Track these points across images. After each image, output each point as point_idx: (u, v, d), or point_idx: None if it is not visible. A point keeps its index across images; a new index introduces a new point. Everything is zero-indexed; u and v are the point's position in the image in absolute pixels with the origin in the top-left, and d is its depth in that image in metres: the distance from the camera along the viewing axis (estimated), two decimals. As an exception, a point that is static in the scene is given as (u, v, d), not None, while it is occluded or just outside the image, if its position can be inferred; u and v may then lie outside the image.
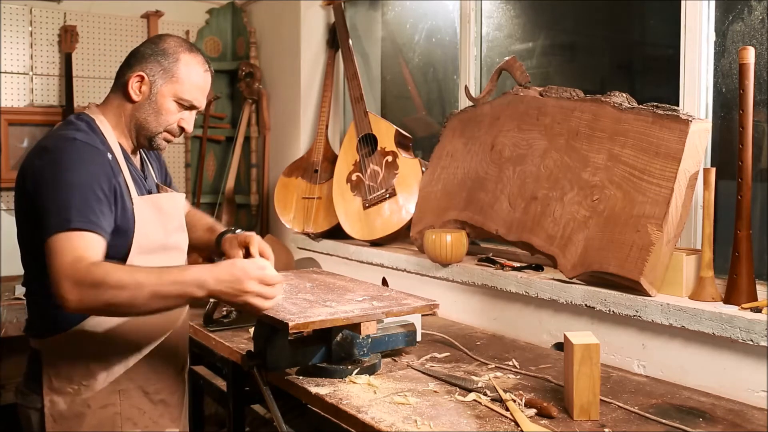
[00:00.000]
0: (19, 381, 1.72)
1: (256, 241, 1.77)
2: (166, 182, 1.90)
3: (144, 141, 1.71)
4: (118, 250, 1.60)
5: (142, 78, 1.65)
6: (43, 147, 1.58)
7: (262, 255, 1.73)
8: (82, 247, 1.45)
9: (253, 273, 1.45)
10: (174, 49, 1.67)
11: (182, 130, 1.72)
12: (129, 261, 1.60)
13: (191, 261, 3.50)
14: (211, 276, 1.43)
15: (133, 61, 1.68)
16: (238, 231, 1.86)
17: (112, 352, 1.65)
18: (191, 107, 1.71)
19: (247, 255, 1.75)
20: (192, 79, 1.68)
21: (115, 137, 1.67)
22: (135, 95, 1.65)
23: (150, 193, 1.72)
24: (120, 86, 1.68)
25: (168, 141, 1.73)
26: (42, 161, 1.54)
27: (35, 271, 1.60)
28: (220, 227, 1.93)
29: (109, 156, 1.60)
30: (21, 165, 1.61)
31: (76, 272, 1.41)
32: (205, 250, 1.98)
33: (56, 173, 1.51)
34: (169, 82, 1.66)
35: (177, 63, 1.66)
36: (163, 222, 1.70)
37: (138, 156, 1.77)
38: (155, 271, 1.45)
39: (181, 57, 1.67)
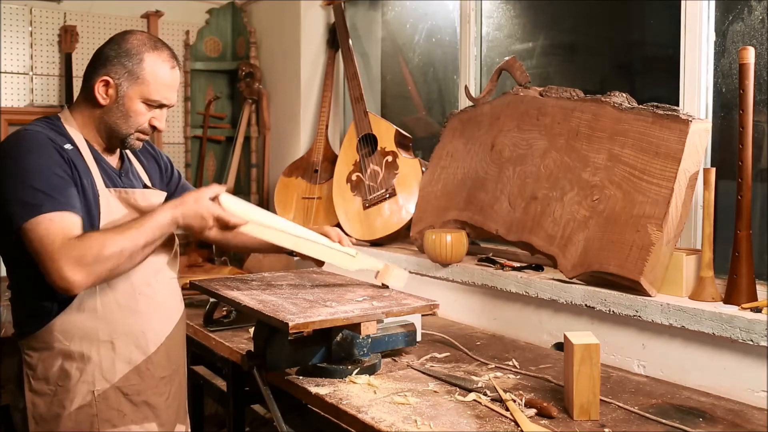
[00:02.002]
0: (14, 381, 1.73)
1: (333, 233, 1.89)
2: (169, 185, 1.90)
3: (116, 143, 1.69)
4: None
5: (108, 82, 1.62)
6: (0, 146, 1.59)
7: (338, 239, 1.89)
8: (67, 227, 1.48)
9: (215, 212, 1.61)
10: (137, 49, 1.63)
11: (154, 128, 1.70)
12: None
13: (191, 261, 3.49)
14: (181, 214, 1.58)
15: (97, 63, 1.64)
16: None
17: (84, 351, 1.61)
18: (161, 106, 1.68)
19: None
20: (159, 78, 1.64)
21: (81, 136, 1.65)
22: (102, 100, 1.63)
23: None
24: (88, 90, 1.65)
25: (141, 140, 1.71)
26: None
27: (11, 271, 1.60)
28: None
29: (68, 146, 1.59)
30: None
31: (73, 251, 1.45)
32: (259, 250, 2.08)
33: (13, 164, 1.52)
34: (135, 84, 1.63)
35: (141, 63, 1.63)
36: (133, 217, 1.67)
37: (116, 155, 1.75)
38: (135, 224, 1.54)
39: (145, 57, 1.63)
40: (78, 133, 1.65)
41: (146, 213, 1.58)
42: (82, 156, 1.62)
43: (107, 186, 1.64)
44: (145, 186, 1.80)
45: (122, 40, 1.65)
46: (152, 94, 1.64)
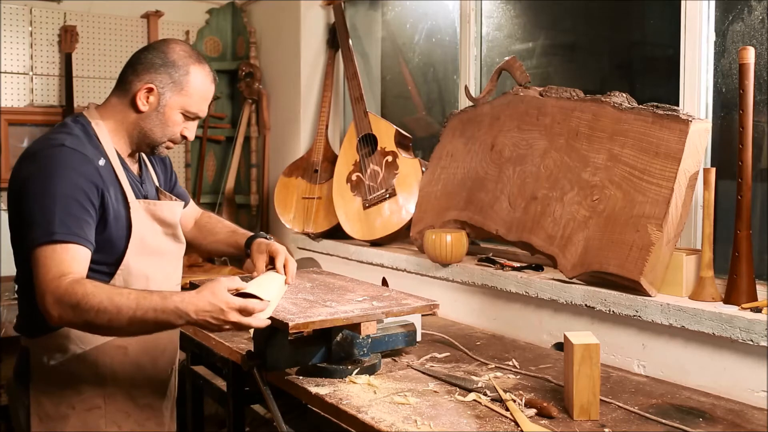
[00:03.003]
0: (10, 377, 1.73)
1: (282, 255, 1.80)
2: (170, 184, 1.90)
3: (146, 148, 1.71)
4: (114, 255, 1.61)
5: (152, 89, 1.63)
6: (32, 153, 1.58)
7: (285, 267, 1.78)
8: (66, 261, 1.48)
9: (234, 304, 1.44)
10: (184, 61, 1.66)
11: (184, 137, 1.72)
12: (124, 264, 1.62)
13: (191, 261, 3.49)
14: (193, 307, 1.43)
15: (140, 68, 1.65)
16: (270, 237, 1.90)
17: (99, 356, 1.64)
18: (195, 117, 1.71)
19: (271, 261, 1.82)
20: (200, 91, 1.68)
21: (111, 143, 1.66)
22: (142, 106, 1.64)
23: (146, 197, 1.72)
24: (126, 93, 1.66)
25: (169, 148, 1.74)
26: (29, 168, 1.55)
27: (26, 272, 1.59)
28: (244, 231, 1.98)
29: (101, 162, 1.59)
30: (12, 168, 1.60)
31: (58, 289, 1.44)
32: (227, 253, 2.03)
33: (41, 182, 1.51)
34: (179, 94, 1.65)
35: (187, 76, 1.65)
36: (158, 229, 1.71)
37: (136, 159, 1.77)
38: (137, 296, 1.44)
39: (191, 69, 1.66)
40: (108, 140, 1.66)
41: (158, 292, 1.48)
42: (114, 170, 1.63)
43: (137, 197, 1.66)
44: (157, 189, 1.81)
45: (168, 50, 1.66)
46: (192, 106, 1.67)
